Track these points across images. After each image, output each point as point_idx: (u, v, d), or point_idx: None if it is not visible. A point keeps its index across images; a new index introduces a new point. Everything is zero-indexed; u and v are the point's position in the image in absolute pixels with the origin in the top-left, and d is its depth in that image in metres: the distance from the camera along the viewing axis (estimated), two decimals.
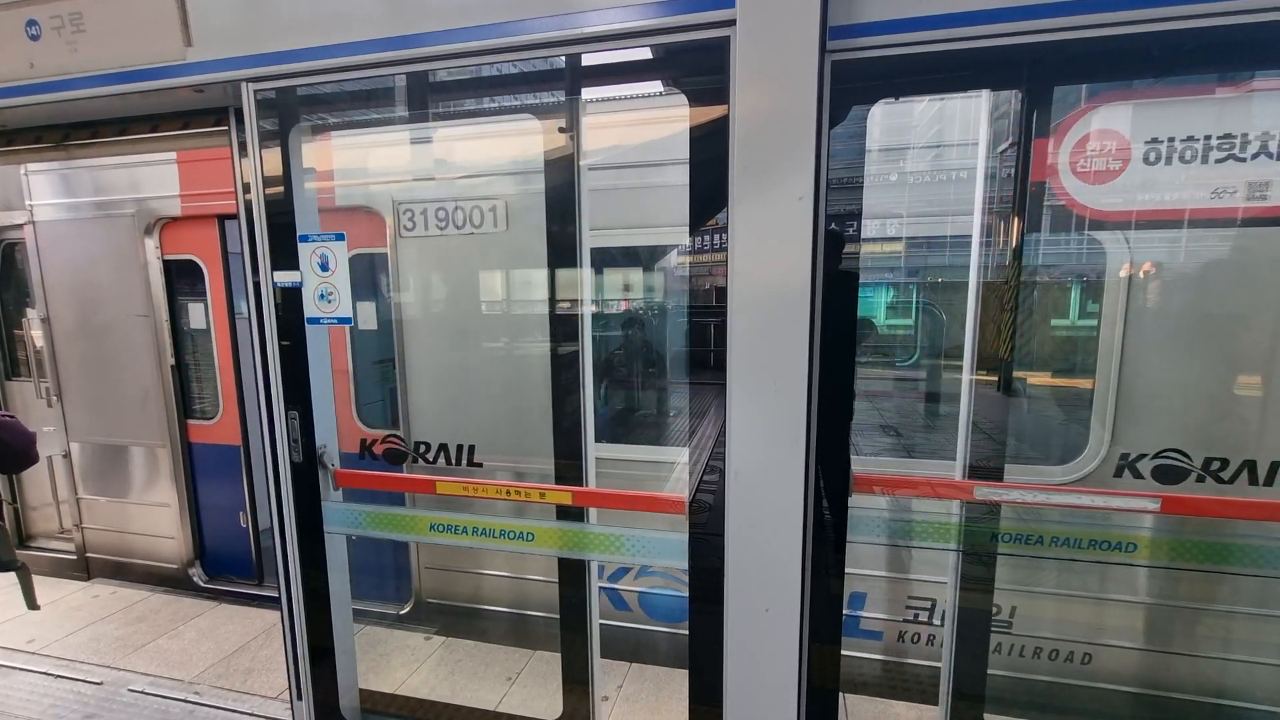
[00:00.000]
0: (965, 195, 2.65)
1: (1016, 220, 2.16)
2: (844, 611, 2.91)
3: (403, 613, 3.61)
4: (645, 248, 4.23)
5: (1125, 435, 2.40)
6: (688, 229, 1.80)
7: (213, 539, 4.16)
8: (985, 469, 2.26)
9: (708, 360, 1.92)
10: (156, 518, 4.09)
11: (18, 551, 4.30)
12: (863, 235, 1.77)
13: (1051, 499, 1.78)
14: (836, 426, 1.73)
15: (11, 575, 2.32)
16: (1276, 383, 2.18)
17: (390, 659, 3.26)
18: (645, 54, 1.75)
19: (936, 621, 2.87)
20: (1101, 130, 2.01)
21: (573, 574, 2.34)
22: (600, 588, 3.31)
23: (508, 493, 2.15)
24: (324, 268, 2.09)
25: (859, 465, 1.78)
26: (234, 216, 2.45)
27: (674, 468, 3.21)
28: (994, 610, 2.50)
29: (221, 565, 4.17)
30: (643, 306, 4.64)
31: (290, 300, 2.13)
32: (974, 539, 2.02)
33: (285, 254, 2.10)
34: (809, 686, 1.79)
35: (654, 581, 3.25)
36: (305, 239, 2.09)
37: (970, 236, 2.18)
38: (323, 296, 2.11)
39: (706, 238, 1.88)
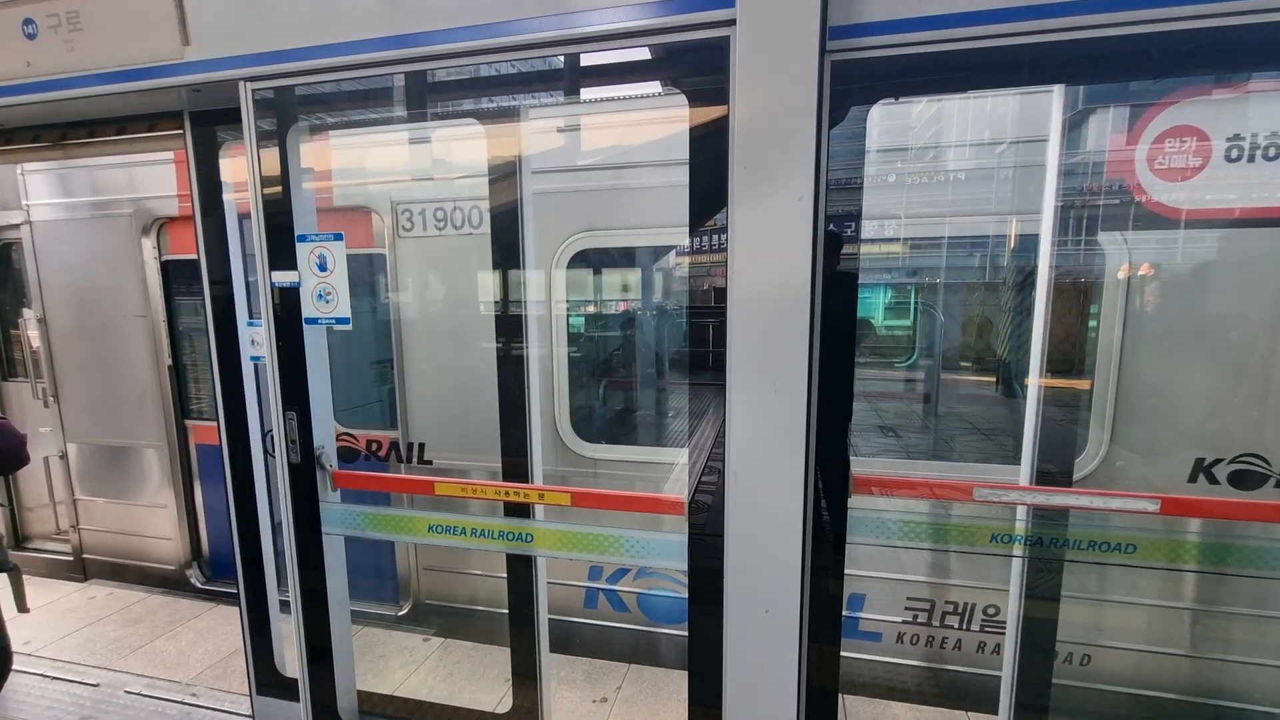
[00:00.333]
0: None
1: (1091, 219, 2.11)
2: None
3: (401, 614, 3.60)
4: (643, 248, 4.24)
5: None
6: (687, 229, 1.79)
7: (211, 540, 4.15)
8: (1054, 475, 2.14)
9: (705, 361, 1.90)
10: (154, 519, 4.08)
11: (11, 552, 4.30)
12: (869, 235, 1.76)
13: (1051, 499, 1.78)
14: (836, 427, 1.72)
15: (3, 577, 2.31)
16: None
17: (388, 660, 3.25)
18: (644, 54, 1.74)
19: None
20: (1180, 127, 1.94)
21: (520, 569, 2.35)
22: (599, 589, 3.31)
23: (506, 494, 2.15)
24: (322, 268, 2.09)
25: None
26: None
27: (671, 468, 3.21)
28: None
29: (221, 568, 4.15)
30: (640, 307, 4.63)
31: (288, 300, 2.12)
32: (1041, 545, 1.92)
33: (283, 254, 2.10)
34: (809, 688, 1.78)
35: (653, 582, 3.25)
36: (303, 239, 2.08)
37: (1039, 235, 2.06)
38: (321, 297, 2.10)
39: (703, 239, 1.87)
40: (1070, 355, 2.28)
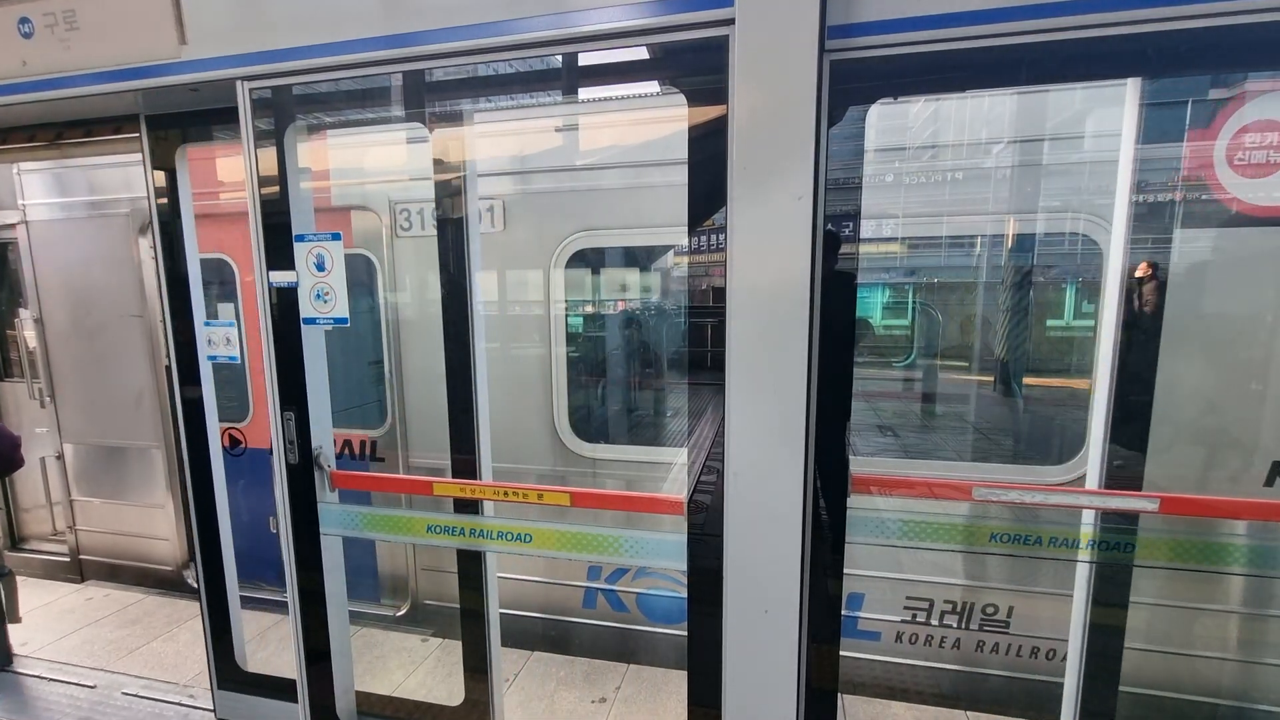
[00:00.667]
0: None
1: (1167, 217, 2.01)
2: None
3: (399, 614, 3.60)
4: (642, 248, 4.23)
5: None
6: (686, 229, 1.79)
7: None
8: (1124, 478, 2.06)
9: (704, 360, 1.89)
10: (151, 519, 4.06)
11: (7, 553, 4.28)
12: (863, 235, 1.75)
13: (1050, 499, 1.78)
14: (835, 427, 1.72)
15: None
16: None
17: (387, 661, 3.25)
18: (643, 54, 1.74)
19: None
20: (1262, 121, 1.86)
21: (470, 564, 2.35)
22: (598, 589, 3.31)
23: (505, 494, 2.14)
24: (320, 267, 2.08)
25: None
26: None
27: (670, 468, 3.21)
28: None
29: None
30: (640, 307, 4.63)
31: (285, 300, 2.11)
32: (1110, 549, 1.86)
33: (281, 254, 2.09)
34: (808, 687, 1.78)
35: (652, 582, 3.25)
36: (301, 239, 2.08)
37: (1110, 234, 2.01)
38: (319, 296, 2.10)
39: (702, 238, 1.86)
40: (1141, 357, 2.17)
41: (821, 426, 1.67)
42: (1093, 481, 2.03)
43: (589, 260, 3.56)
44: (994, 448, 4.82)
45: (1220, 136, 1.88)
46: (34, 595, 3.95)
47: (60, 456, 4.16)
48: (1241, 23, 1.38)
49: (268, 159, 2.05)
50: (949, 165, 2.85)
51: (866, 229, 2.36)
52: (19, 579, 3.35)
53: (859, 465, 1.79)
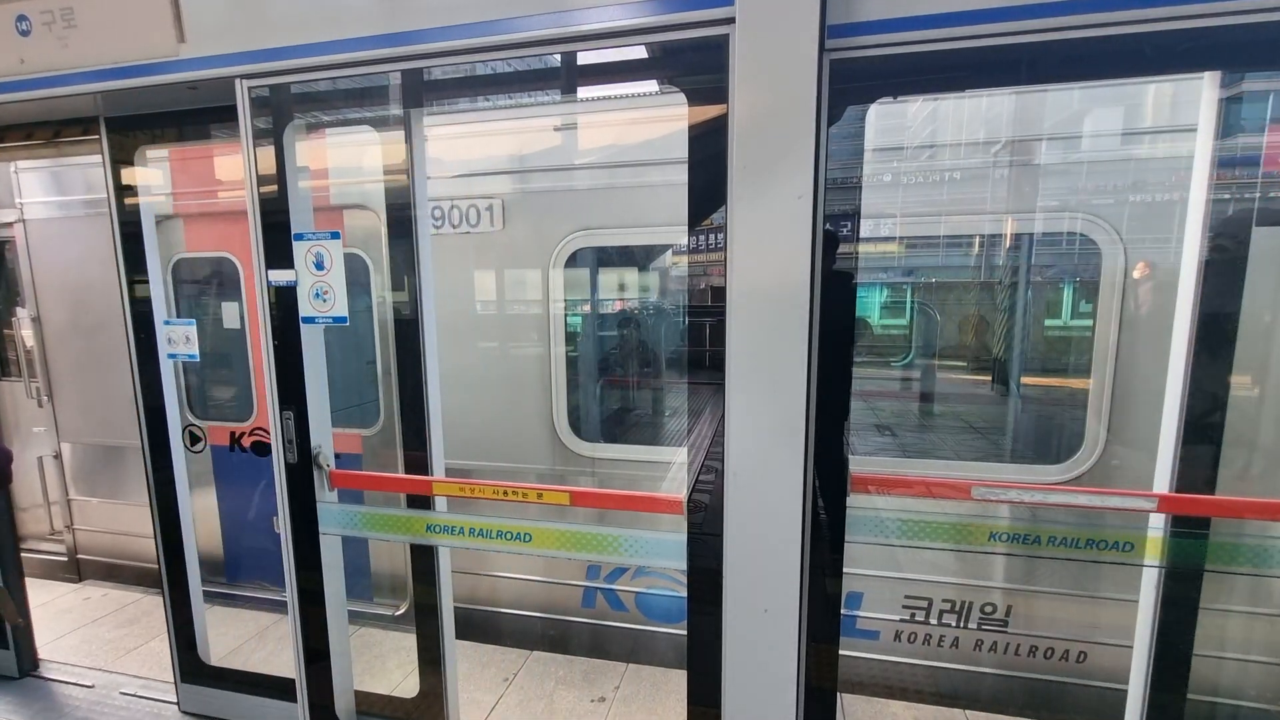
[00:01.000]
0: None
1: (1245, 213, 1.88)
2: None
3: (398, 614, 3.59)
4: (642, 248, 4.23)
5: None
6: (686, 228, 1.79)
7: (204, 540, 4.13)
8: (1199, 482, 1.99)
9: (703, 360, 1.88)
10: (149, 519, 4.05)
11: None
12: (866, 234, 1.74)
13: (1049, 499, 1.79)
14: (834, 426, 1.72)
15: None
16: None
17: (385, 660, 3.24)
18: (643, 53, 1.74)
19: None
20: None
21: (424, 559, 2.41)
22: (597, 588, 3.31)
23: (505, 493, 2.14)
24: (319, 266, 2.08)
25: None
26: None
27: (669, 467, 3.21)
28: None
29: (216, 568, 4.13)
30: (639, 306, 4.63)
31: (284, 299, 2.11)
32: (1179, 554, 1.82)
33: (279, 253, 2.09)
34: (808, 687, 1.79)
35: (651, 582, 3.25)
36: (300, 237, 2.07)
37: (1185, 231, 1.88)
38: (318, 295, 2.09)
39: (702, 237, 1.86)
40: (1216, 356, 2.07)
41: (821, 426, 1.67)
42: (1161, 485, 1.96)
43: (588, 260, 3.56)
44: (992, 447, 4.83)
45: None
46: (32, 595, 3.93)
47: (58, 456, 4.15)
48: (1242, 23, 1.38)
49: (266, 157, 2.05)
50: (948, 165, 2.85)
51: (865, 229, 2.35)
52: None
53: (858, 465, 1.79)
